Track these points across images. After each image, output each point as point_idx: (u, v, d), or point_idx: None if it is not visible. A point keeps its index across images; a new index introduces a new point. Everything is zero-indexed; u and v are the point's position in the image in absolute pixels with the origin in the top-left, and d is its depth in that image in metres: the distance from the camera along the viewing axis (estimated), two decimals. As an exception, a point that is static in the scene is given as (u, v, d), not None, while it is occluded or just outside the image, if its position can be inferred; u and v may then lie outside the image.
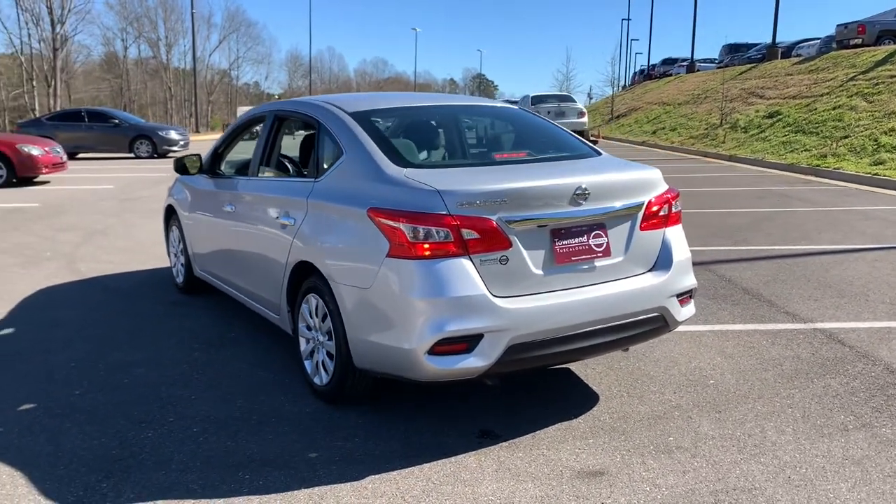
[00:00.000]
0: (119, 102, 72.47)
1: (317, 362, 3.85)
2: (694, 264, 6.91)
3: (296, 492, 2.97)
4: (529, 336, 3.26)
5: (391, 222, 3.23)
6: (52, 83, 57.57)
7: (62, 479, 3.09)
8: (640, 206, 3.65)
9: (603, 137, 37.38)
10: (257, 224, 4.41)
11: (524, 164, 3.78)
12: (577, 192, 3.41)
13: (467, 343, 3.18)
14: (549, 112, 22.80)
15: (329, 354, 3.71)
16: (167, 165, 19.28)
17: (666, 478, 3.06)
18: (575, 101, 24.19)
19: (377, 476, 3.09)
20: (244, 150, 5.37)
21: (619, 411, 3.72)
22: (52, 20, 57.20)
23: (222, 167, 5.40)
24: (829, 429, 3.49)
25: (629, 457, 3.24)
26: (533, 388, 4.04)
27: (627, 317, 3.53)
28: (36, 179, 15.33)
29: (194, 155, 5.45)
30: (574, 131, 22.07)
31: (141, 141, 22.59)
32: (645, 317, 3.60)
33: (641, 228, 3.66)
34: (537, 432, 3.50)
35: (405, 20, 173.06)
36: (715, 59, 44.37)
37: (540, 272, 3.35)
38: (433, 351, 3.17)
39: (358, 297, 3.41)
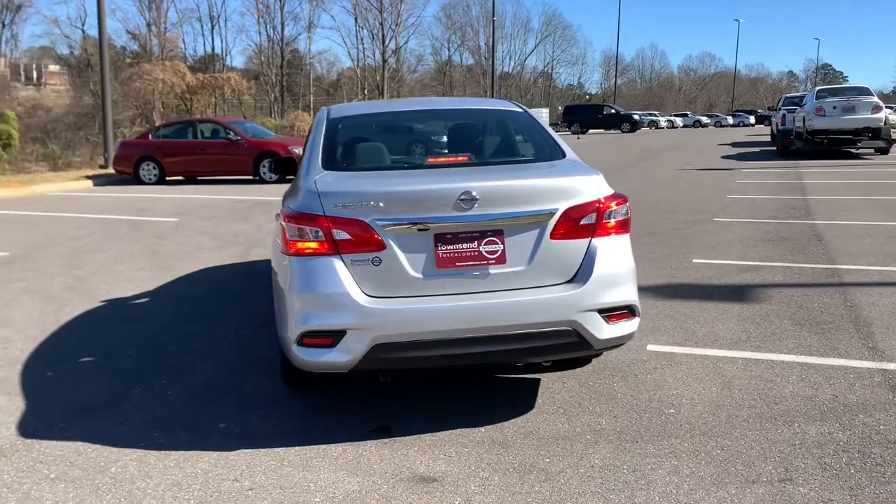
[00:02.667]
0: (443, 107, 78.72)
1: None
2: (834, 285, 5.99)
3: (174, 451, 3.42)
4: (397, 337, 3.32)
5: (283, 221, 3.52)
6: (382, 91, 64.73)
7: (43, 415, 3.88)
8: (549, 213, 3.46)
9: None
10: None
11: (442, 169, 3.79)
12: (462, 196, 3.36)
13: (332, 338, 3.35)
14: (834, 108, 20.26)
15: None
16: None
17: (488, 496, 2.95)
18: (870, 95, 21.05)
19: (246, 451, 3.41)
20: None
21: (530, 427, 3.58)
22: (382, 34, 64.39)
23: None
24: (734, 479, 3.03)
25: (480, 471, 3.16)
26: (474, 394, 4.02)
27: (524, 328, 3.39)
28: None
29: (290, 157, 6.11)
30: (866, 128, 19.48)
31: (416, 142, 24.64)
32: (549, 330, 3.41)
33: (553, 237, 3.47)
34: (427, 434, 3.53)
35: (734, 11, 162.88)
36: None
37: (419, 275, 3.38)
38: (301, 342, 3.39)
39: (274, 290, 3.75)
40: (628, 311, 3.57)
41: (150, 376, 4.42)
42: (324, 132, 4.15)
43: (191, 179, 17.63)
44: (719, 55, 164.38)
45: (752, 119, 69.65)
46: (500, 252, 3.43)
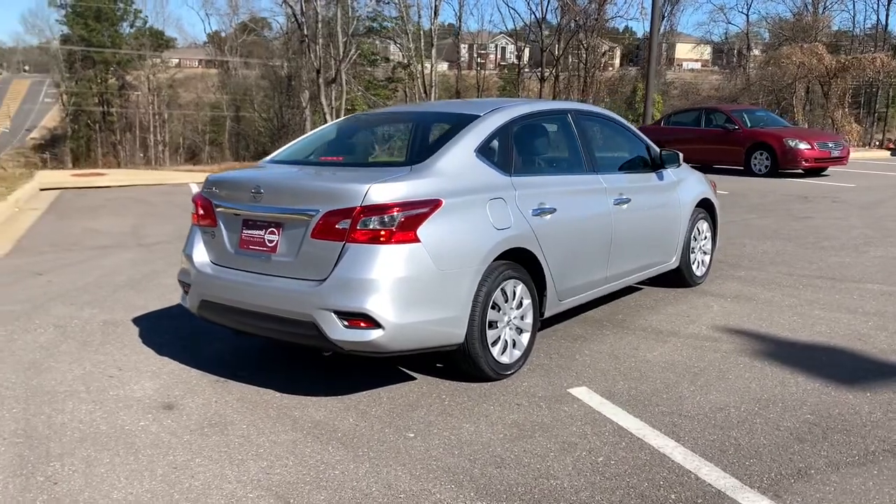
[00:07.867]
0: None
1: None
2: None
3: (154, 355, 4.89)
4: (210, 297, 4.20)
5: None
6: None
7: (172, 316, 5.84)
8: (309, 213, 3.74)
9: None
10: None
11: (305, 165, 4.35)
12: (253, 190, 3.95)
13: (187, 290, 4.39)
14: None
15: None
16: None
17: (167, 425, 3.69)
18: None
19: (167, 360, 4.69)
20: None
21: (303, 405, 3.94)
22: None
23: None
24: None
25: (199, 413, 3.84)
26: (344, 376, 4.41)
27: (279, 313, 3.83)
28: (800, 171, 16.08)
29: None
30: None
31: None
32: (296, 319, 3.76)
33: (313, 236, 3.74)
34: (243, 385, 4.22)
35: None
36: None
37: (232, 251, 4.14)
38: (183, 289, 4.51)
39: None
40: (366, 320, 3.60)
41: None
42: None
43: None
44: None
45: None
46: (275, 242, 3.92)
